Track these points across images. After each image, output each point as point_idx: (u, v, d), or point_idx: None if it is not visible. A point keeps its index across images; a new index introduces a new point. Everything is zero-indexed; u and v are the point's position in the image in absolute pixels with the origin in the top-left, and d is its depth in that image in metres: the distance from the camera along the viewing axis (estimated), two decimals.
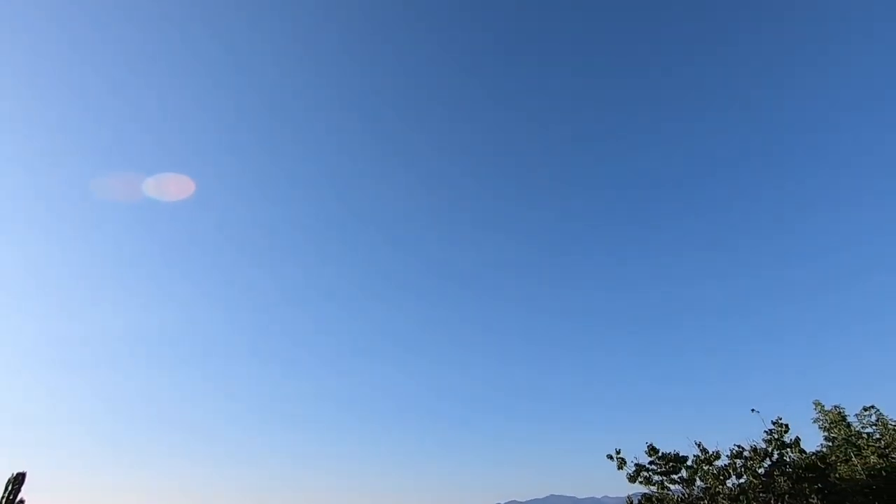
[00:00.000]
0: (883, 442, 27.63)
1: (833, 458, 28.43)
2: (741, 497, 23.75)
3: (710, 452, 25.40)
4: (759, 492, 24.06)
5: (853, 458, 27.33)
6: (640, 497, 26.22)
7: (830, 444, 30.23)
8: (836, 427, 29.75)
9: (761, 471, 25.10)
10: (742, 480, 24.88)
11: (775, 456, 25.49)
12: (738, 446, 25.65)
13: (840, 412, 30.36)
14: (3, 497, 14.64)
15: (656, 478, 25.34)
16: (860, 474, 26.62)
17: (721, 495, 24.00)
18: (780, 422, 26.17)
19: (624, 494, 28.17)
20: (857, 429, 29.49)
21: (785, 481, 24.33)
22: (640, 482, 25.42)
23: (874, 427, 29.14)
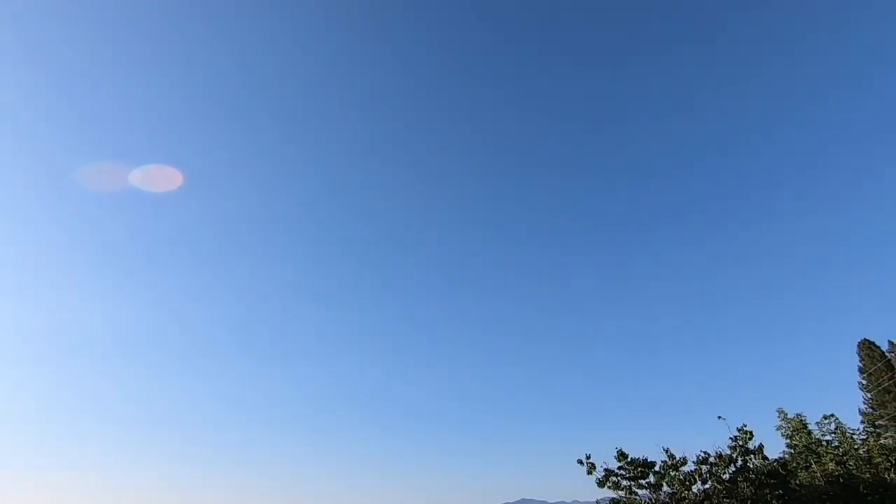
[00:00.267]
0: (841, 450, 28.62)
1: (794, 464, 29.29)
2: (705, 502, 24.20)
3: (678, 458, 25.81)
4: (723, 497, 24.56)
5: (813, 465, 28.19)
6: (608, 501, 26.50)
7: (792, 450, 31.18)
8: (797, 434, 30.70)
9: (726, 477, 25.64)
10: (707, 486, 25.37)
11: (739, 462, 26.08)
12: (705, 452, 26.16)
13: (802, 420, 31.34)
14: None
15: (624, 483, 25.64)
16: (819, 481, 27.46)
17: (686, 501, 24.42)
18: (744, 429, 26.80)
19: (593, 499, 28.46)
20: (817, 436, 30.50)
21: (748, 487, 24.89)
22: (609, 487, 25.69)
23: (833, 435, 30.20)
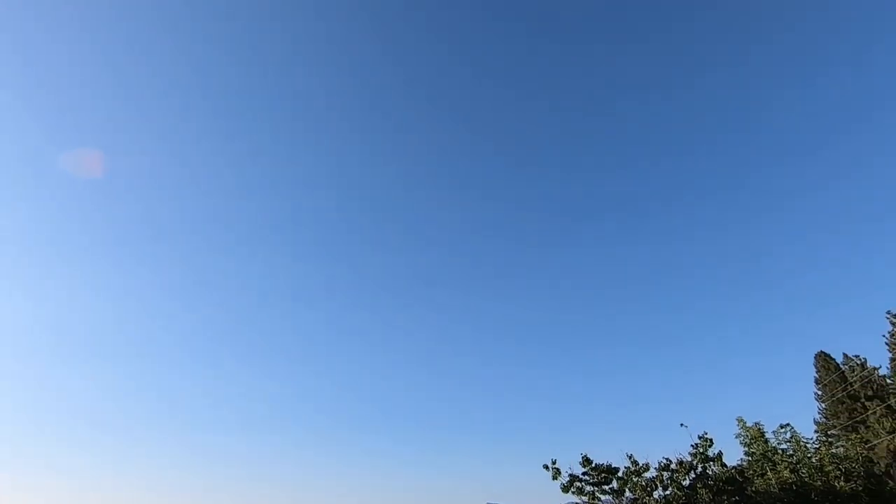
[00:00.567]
0: (795, 458, 29.72)
1: (751, 471, 30.27)
2: None
3: (640, 465, 26.33)
4: (682, 503, 25.17)
5: (768, 473, 29.19)
6: None
7: (750, 458, 32.20)
8: (755, 443, 31.72)
9: (686, 483, 26.30)
10: (668, 492, 25.97)
11: (699, 469, 26.78)
12: (667, 459, 26.79)
13: (760, 429, 32.41)
14: None
15: (588, 488, 26.00)
16: (774, 488, 28.43)
17: None
18: (705, 437, 27.53)
19: None
20: (773, 445, 31.59)
21: (706, 493, 25.60)
22: (573, 492, 26.00)
23: (788, 443, 31.36)
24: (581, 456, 26.96)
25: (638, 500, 25.67)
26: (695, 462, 26.61)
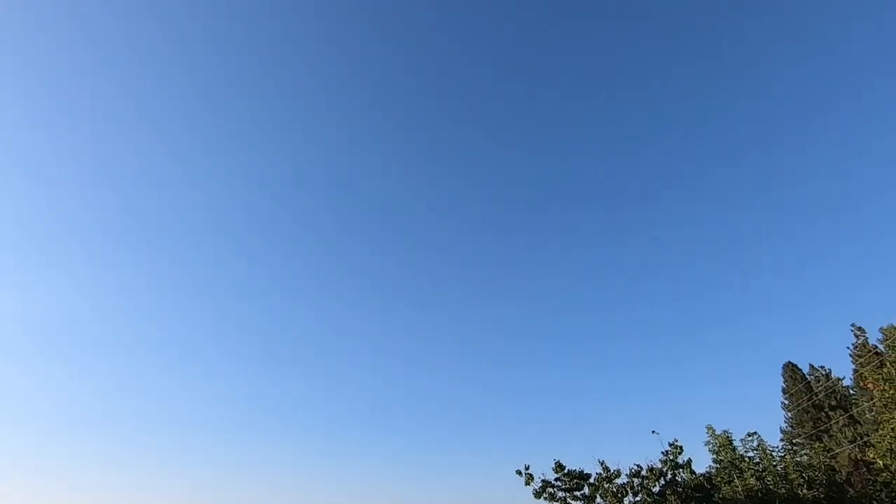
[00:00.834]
0: (761, 466, 30.49)
1: (719, 479, 30.94)
2: None
3: (612, 471, 26.65)
4: None
5: (735, 480, 29.89)
6: None
7: (718, 465, 32.89)
8: (723, 450, 32.45)
9: (656, 489, 26.71)
10: (638, 498, 26.34)
11: (669, 476, 27.24)
12: (637, 466, 27.16)
13: (728, 437, 33.16)
14: None
15: (560, 494, 26.20)
16: (740, 495, 29.10)
17: None
18: (675, 444, 28.03)
19: None
20: (741, 452, 32.35)
21: (675, 500, 26.04)
22: (545, 498, 26.16)
23: (755, 451, 32.14)
24: (554, 462, 27.19)
25: None
26: (665, 469, 27.04)
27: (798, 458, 34.25)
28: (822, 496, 29.64)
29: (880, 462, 26.70)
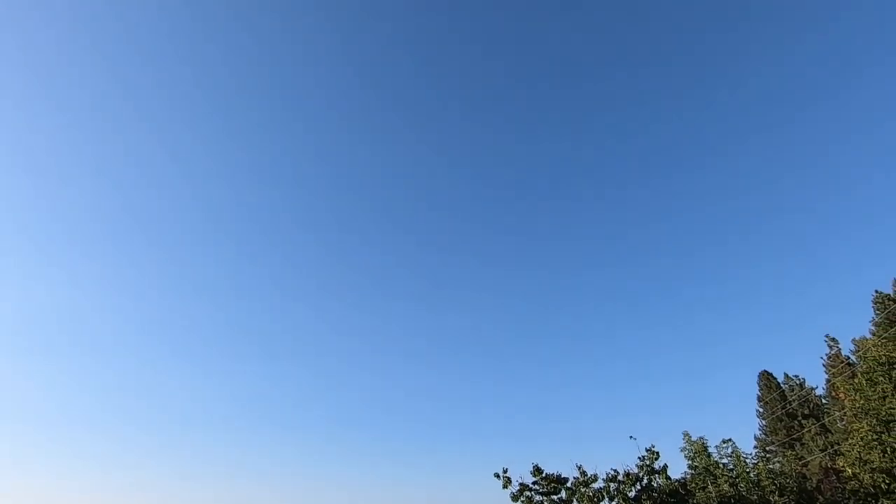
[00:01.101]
0: (735, 472, 30.95)
1: (693, 484, 31.32)
2: None
3: (589, 475, 26.77)
4: None
5: (709, 486, 30.30)
6: None
7: (693, 471, 33.31)
8: (698, 456, 32.86)
9: (632, 494, 26.91)
10: (614, 503, 26.50)
11: (645, 481, 27.47)
12: (614, 470, 27.33)
13: (703, 443, 33.61)
14: None
15: (538, 497, 26.23)
16: (714, 501, 29.50)
17: None
18: (652, 449, 28.27)
19: None
20: (715, 459, 32.80)
21: None
22: (523, 501, 26.16)
23: (729, 458, 32.62)
24: (532, 465, 27.22)
25: None
26: (641, 474, 27.25)
27: (771, 466, 34.91)
28: (793, 503, 30.23)
29: (849, 470, 27.30)
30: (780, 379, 54.63)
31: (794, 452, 43.28)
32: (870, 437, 25.73)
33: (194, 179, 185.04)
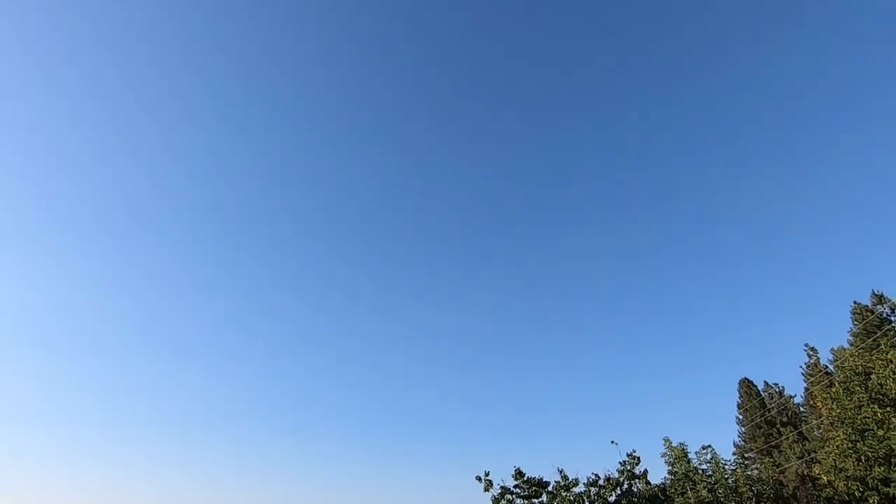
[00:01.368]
0: (713, 479, 31.25)
1: (673, 490, 31.56)
2: None
3: (570, 479, 26.88)
4: None
5: (688, 492, 30.53)
6: None
7: (672, 477, 33.55)
8: (678, 462, 33.10)
9: (611, 499, 27.08)
10: None
11: (625, 486, 27.66)
12: (595, 475, 27.47)
13: (683, 449, 33.85)
14: None
15: (518, 501, 26.28)
16: None
17: None
18: (633, 454, 28.48)
19: None
20: (695, 465, 33.09)
21: None
22: None
23: (708, 464, 32.92)
24: (514, 468, 27.26)
25: None
26: (622, 479, 27.44)
27: (749, 472, 35.30)
28: None
29: (824, 478, 27.73)
30: (761, 387, 55.43)
31: (771, 459, 43.88)
32: (845, 446, 26.17)
33: (195, 177, 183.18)
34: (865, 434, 25.08)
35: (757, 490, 31.54)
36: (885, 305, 39.51)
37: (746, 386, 55.52)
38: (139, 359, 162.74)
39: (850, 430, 26.22)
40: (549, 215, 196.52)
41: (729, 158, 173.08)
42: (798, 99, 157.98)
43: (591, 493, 26.58)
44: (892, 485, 23.62)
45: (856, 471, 25.04)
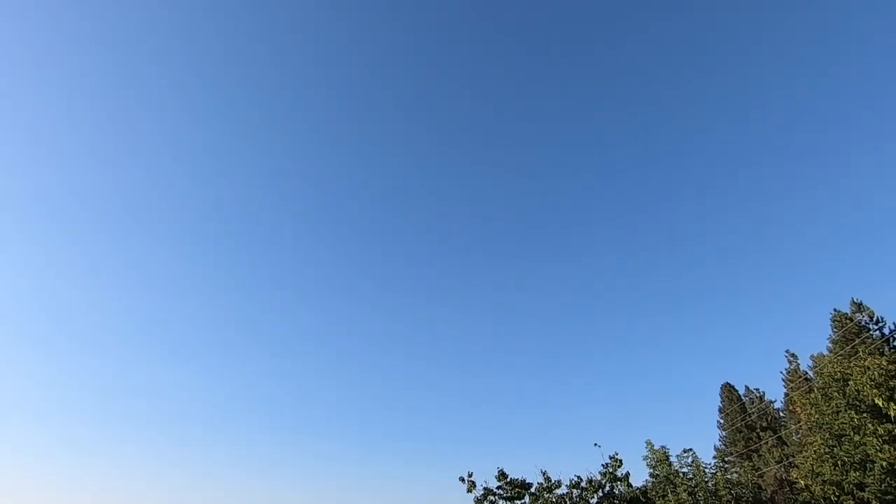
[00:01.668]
0: (694, 482, 31.65)
1: (654, 492, 31.87)
2: None
3: (553, 481, 26.94)
4: None
5: (669, 494, 30.88)
6: None
7: (654, 479, 33.91)
8: (660, 465, 33.48)
9: (594, 501, 27.20)
10: None
11: (607, 488, 27.78)
12: (578, 477, 27.58)
13: (665, 452, 34.25)
14: None
15: (501, 502, 26.26)
16: None
17: None
18: (616, 457, 28.62)
19: None
20: (676, 468, 33.48)
21: None
22: None
23: (689, 467, 33.34)
24: (497, 469, 27.24)
25: None
26: (604, 481, 27.55)
27: (728, 476, 35.80)
28: None
29: (802, 482, 28.16)
30: (742, 392, 56.15)
31: (751, 463, 44.47)
32: (822, 451, 26.59)
33: (196, 176, 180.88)
34: (842, 439, 25.50)
35: (736, 493, 31.98)
36: (863, 314, 40.23)
37: (728, 390, 56.20)
38: (139, 358, 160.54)
39: (827, 435, 26.65)
40: (540, 224, 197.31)
41: (711, 163, 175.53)
42: (779, 100, 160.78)
43: (574, 495, 26.65)
44: (867, 489, 24.05)
45: (832, 475, 25.45)
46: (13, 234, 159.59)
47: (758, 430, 50.80)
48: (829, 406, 27.44)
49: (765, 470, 43.23)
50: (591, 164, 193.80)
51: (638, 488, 29.84)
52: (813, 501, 27.33)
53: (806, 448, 30.90)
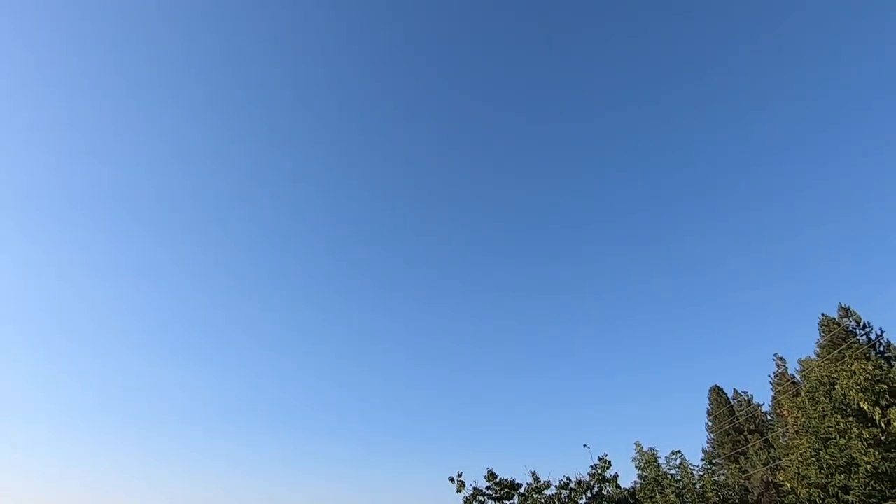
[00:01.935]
0: (681, 483, 31.83)
1: (642, 494, 32.03)
2: None
3: (542, 482, 27.02)
4: None
5: (657, 496, 31.04)
6: None
7: (642, 481, 34.06)
8: (648, 466, 33.63)
9: (582, 502, 27.31)
10: None
11: (596, 489, 27.91)
12: (567, 478, 27.68)
13: (654, 454, 34.41)
14: None
15: (490, 502, 26.30)
16: None
17: None
18: (604, 458, 28.75)
19: None
20: (664, 469, 33.65)
21: None
22: None
23: (677, 469, 33.52)
24: (487, 470, 27.27)
25: None
26: (592, 482, 27.67)
27: (716, 478, 36.09)
28: None
29: (788, 485, 28.40)
30: (730, 394, 56.58)
31: (738, 466, 44.84)
32: (809, 454, 26.83)
33: (196, 176, 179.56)
34: (828, 443, 25.75)
35: (723, 495, 32.22)
36: (851, 318, 40.69)
37: (717, 393, 56.61)
38: (139, 358, 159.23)
39: (813, 438, 26.89)
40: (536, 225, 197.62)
41: (703, 165, 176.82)
42: (775, 101, 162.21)
43: (563, 496, 26.75)
44: (852, 493, 24.31)
45: (818, 478, 25.69)
46: (13, 234, 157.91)
47: (745, 433, 51.21)
48: (815, 410, 27.70)
49: (752, 472, 43.58)
50: (587, 166, 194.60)
51: (626, 489, 30.01)
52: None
53: (792, 451, 31.15)
